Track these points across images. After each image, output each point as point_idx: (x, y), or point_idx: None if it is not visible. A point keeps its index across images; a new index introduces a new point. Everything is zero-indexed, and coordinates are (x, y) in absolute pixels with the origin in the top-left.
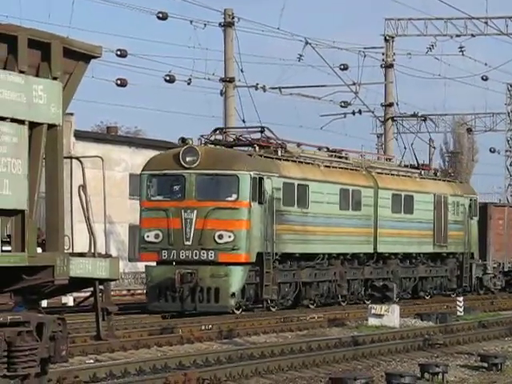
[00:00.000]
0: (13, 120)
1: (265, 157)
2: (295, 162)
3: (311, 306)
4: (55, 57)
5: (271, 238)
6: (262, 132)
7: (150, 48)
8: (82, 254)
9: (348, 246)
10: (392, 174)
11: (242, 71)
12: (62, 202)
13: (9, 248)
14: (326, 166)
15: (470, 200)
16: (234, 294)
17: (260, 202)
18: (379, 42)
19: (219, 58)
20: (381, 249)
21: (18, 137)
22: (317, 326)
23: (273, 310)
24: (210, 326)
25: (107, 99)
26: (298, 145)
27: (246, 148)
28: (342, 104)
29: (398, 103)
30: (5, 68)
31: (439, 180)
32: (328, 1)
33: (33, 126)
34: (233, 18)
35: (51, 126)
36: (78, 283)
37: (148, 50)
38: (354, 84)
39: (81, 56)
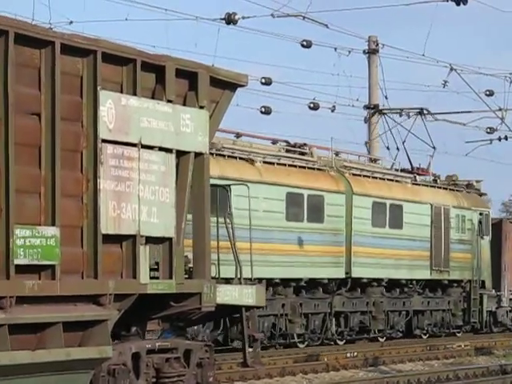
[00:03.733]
0: (161, 149)
1: None
2: (211, 155)
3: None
4: (202, 86)
5: None
6: None
7: (294, 75)
8: (228, 282)
9: (302, 270)
10: (374, 177)
11: (386, 98)
12: (208, 229)
13: (157, 275)
14: (268, 163)
15: (481, 214)
16: None
17: None
18: None
19: (363, 85)
20: (356, 273)
21: (166, 165)
22: (464, 354)
23: None
24: (355, 354)
25: (251, 127)
26: (238, 136)
27: None
28: (488, 130)
29: None
30: (153, 97)
31: (439, 188)
32: (473, 27)
33: (180, 154)
34: (377, 44)
35: (198, 155)
36: (224, 310)
37: (292, 78)
38: (500, 110)
39: (227, 85)
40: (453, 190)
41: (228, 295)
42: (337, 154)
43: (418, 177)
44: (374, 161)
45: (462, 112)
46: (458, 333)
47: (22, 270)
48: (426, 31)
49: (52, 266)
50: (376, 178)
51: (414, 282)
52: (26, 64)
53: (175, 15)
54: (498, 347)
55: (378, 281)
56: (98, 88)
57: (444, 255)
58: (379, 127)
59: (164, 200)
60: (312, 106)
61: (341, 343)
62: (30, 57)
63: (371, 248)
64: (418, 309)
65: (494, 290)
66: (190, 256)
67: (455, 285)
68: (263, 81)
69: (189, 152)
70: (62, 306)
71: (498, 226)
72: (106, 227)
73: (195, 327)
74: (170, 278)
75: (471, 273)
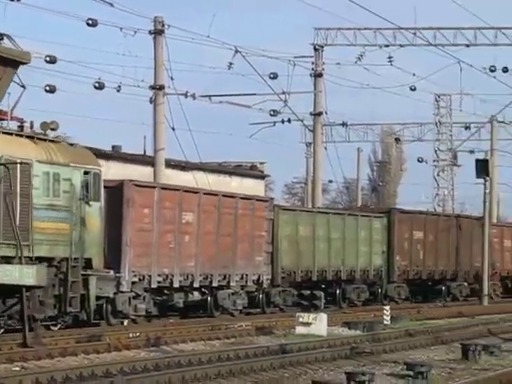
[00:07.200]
0: None
1: None
2: None
3: None
4: None
5: None
6: None
7: (80, 54)
8: (8, 261)
9: None
10: None
11: (171, 79)
12: None
13: None
14: None
15: (86, 174)
16: None
17: None
18: (309, 52)
19: (149, 66)
20: None
21: None
22: (245, 334)
23: None
24: (138, 334)
25: (36, 105)
26: None
27: None
28: (272, 113)
29: (328, 112)
30: None
31: (19, 136)
32: (259, 10)
33: None
34: (163, 25)
35: None
36: (3, 290)
37: (78, 57)
38: (284, 93)
39: (9, 62)
40: (43, 139)
41: (8, 275)
42: None
43: None
44: None
45: (246, 94)
46: (55, 326)
47: None
48: (213, 13)
49: None
50: None
51: None
52: None
53: None
54: (279, 327)
55: None
56: None
57: (21, 225)
58: None
59: None
60: (97, 85)
61: None
62: None
63: None
64: None
65: (112, 271)
66: None
67: (46, 264)
68: (48, 59)
69: None
70: None
71: (117, 191)
72: None
73: None
74: None
75: (69, 249)
